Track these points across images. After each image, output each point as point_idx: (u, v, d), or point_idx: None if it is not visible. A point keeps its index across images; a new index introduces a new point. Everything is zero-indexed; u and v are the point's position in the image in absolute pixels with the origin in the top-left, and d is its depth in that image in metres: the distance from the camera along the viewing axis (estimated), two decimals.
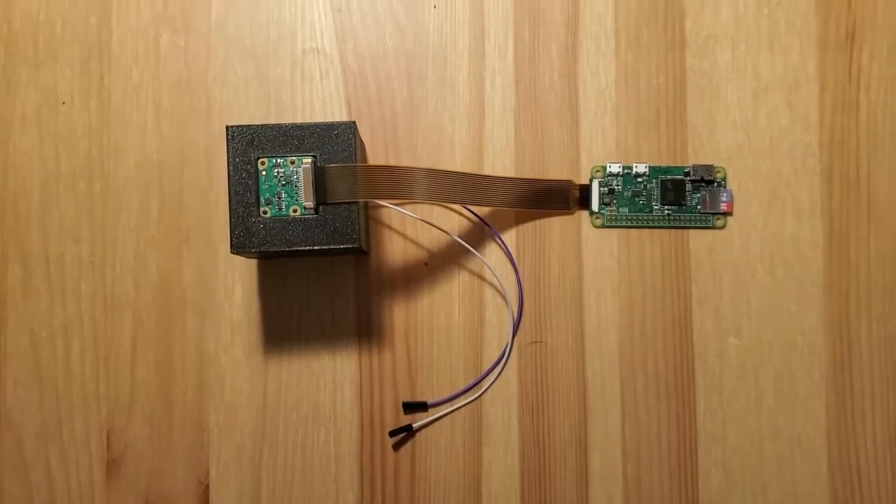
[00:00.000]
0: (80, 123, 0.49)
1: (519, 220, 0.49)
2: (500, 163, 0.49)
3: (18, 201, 0.49)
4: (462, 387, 0.48)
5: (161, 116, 0.49)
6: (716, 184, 0.48)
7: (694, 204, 0.48)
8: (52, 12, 0.49)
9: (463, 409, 0.48)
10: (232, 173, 0.42)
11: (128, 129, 0.49)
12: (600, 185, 0.49)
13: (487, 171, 0.49)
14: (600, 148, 0.49)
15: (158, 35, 0.49)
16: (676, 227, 0.49)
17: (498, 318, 0.48)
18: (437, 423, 0.48)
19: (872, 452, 0.47)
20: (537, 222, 0.49)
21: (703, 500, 0.47)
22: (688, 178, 0.48)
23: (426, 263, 0.49)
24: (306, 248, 0.42)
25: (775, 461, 0.47)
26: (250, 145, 0.43)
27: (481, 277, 0.49)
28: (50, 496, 0.48)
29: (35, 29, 0.49)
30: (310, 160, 0.42)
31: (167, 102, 0.49)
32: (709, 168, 0.48)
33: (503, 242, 0.49)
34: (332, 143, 0.43)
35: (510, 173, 0.49)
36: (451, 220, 0.49)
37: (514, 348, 0.48)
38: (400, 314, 0.48)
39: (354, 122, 0.43)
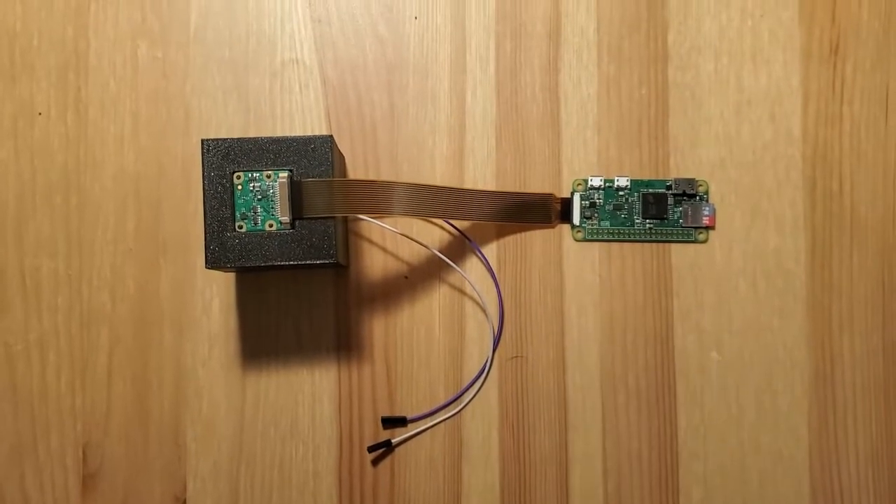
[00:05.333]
0: (56, 135, 0.48)
1: (500, 234, 0.48)
2: (481, 175, 0.49)
3: None
4: (442, 402, 0.48)
5: (138, 128, 0.49)
6: (698, 197, 0.48)
7: (676, 218, 0.48)
8: (29, 23, 0.49)
9: (443, 424, 0.48)
10: (207, 187, 0.42)
11: (105, 142, 0.48)
12: (582, 198, 0.48)
13: (468, 183, 0.49)
14: (582, 161, 0.49)
15: (136, 46, 0.49)
16: (658, 241, 0.48)
17: (478, 333, 0.48)
18: (416, 439, 0.48)
19: (854, 469, 0.47)
20: (518, 236, 0.48)
21: None
22: (670, 192, 0.48)
23: (406, 277, 0.48)
24: (282, 263, 0.42)
25: (757, 477, 0.47)
26: (226, 159, 0.42)
27: (462, 291, 0.48)
28: None
29: (11, 40, 0.49)
30: (286, 174, 0.42)
31: (145, 114, 0.49)
32: (691, 181, 0.48)
33: (484, 256, 0.48)
34: (309, 157, 0.42)
35: (491, 186, 0.49)
36: (431, 234, 0.48)
37: (495, 363, 0.48)
38: (379, 328, 0.48)
39: (331, 136, 0.43)
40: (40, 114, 0.49)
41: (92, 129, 0.49)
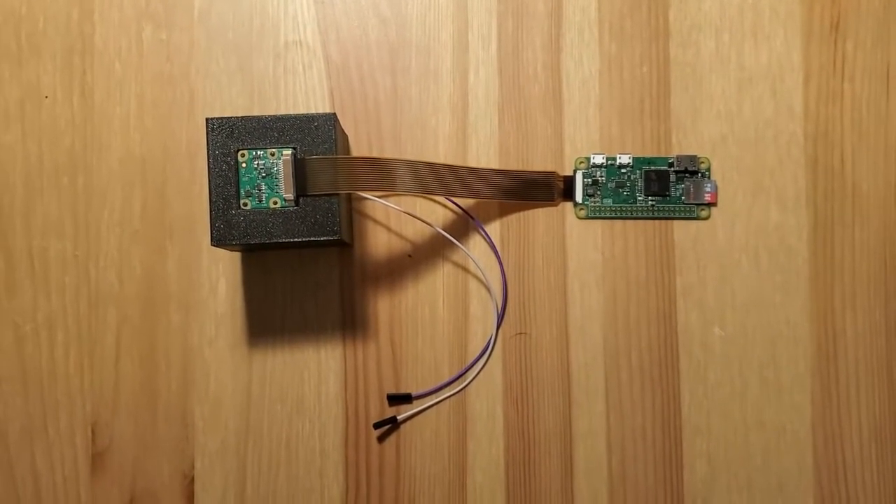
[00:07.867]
0: (63, 118, 0.49)
1: (503, 212, 0.49)
2: (484, 154, 0.49)
3: (1, 196, 0.49)
4: (447, 379, 0.48)
5: (144, 110, 0.49)
6: (700, 174, 0.48)
7: (678, 195, 0.48)
8: (35, 7, 0.49)
9: (447, 401, 0.48)
10: (212, 165, 0.42)
11: (111, 124, 0.49)
12: (584, 176, 0.49)
13: (471, 162, 0.49)
14: (584, 139, 0.49)
15: (141, 29, 0.49)
16: (660, 218, 0.48)
17: (482, 310, 0.48)
18: (421, 416, 0.48)
19: (858, 444, 0.47)
20: (521, 214, 0.49)
21: (688, 491, 0.47)
22: (672, 169, 0.48)
23: (410, 256, 0.49)
24: (287, 240, 0.42)
25: (760, 453, 0.47)
26: (230, 137, 0.42)
27: (465, 269, 0.49)
28: (35, 491, 0.48)
29: (17, 23, 0.49)
30: (290, 152, 0.42)
31: (150, 96, 0.49)
32: (693, 158, 0.48)
33: (487, 234, 0.49)
34: (313, 135, 0.43)
35: (494, 165, 0.49)
36: (434, 213, 0.49)
37: (499, 340, 0.48)
38: (384, 306, 0.48)
39: (334, 114, 0.43)
40: (47, 97, 0.49)
41: (98, 112, 0.49)
